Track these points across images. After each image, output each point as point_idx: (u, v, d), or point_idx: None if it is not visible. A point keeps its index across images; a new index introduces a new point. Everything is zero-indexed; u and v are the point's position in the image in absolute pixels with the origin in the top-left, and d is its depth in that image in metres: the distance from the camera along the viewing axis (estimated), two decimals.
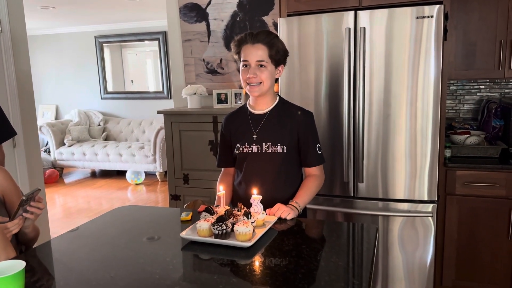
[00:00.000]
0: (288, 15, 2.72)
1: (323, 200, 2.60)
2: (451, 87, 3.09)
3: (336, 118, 2.51)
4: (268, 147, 1.76)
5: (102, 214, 1.82)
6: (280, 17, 2.66)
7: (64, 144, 6.74)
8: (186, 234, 1.46)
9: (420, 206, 2.44)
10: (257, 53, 1.69)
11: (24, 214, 1.47)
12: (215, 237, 1.42)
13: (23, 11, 3.01)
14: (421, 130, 2.37)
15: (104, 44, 7.14)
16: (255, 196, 1.55)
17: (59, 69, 7.53)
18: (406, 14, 2.30)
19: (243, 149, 1.79)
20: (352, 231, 1.63)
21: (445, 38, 2.37)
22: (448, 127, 3.03)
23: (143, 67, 7.48)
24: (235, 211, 1.51)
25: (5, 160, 2.14)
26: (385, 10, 2.34)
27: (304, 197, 1.76)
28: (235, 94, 3.40)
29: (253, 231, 1.44)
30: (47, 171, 6.32)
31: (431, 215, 2.41)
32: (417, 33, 2.29)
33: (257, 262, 1.31)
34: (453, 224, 2.60)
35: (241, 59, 1.73)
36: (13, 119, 2.92)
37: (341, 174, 2.54)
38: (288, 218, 1.64)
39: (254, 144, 1.77)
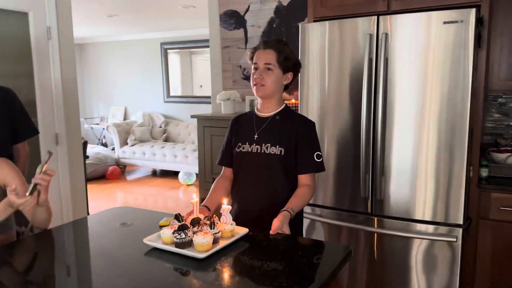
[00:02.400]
0: (315, 21, 2.63)
1: (335, 214, 2.47)
2: (499, 99, 2.77)
3: (356, 129, 2.37)
4: (267, 148, 1.82)
5: (97, 213, 1.90)
6: (306, 22, 2.58)
7: (127, 144, 7.16)
8: (151, 240, 1.46)
9: (446, 230, 2.21)
10: (266, 56, 1.80)
11: (33, 180, 1.48)
12: (176, 246, 1.40)
13: (71, 19, 3.24)
14: (446, 145, 2.15)
15: (168, 50, 7.48)
16: (225, 207, 1.51)
17: (128, 74, 8.02)
18: (434, 19, 2.11)
19: (243, 148, 1.88)
20: (331, 250, 1.52)
21: (478, 45, 2.14)
22: (493, 143, 2.73)
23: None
24: (204, 220, 1.49)
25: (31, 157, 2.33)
26: (412, 15, 2.17)
27: (297, 203, 1.76)
28: None
29: (216, 242, 1.40)
30: (110, 167, 6.76)
31: (455, 239, 2.17)
32: (446, 39, 2.09)
33: (204, 276, 1.27)
34: (486, 253, 2.32)
35: (253, 63, 1.85)
36: (57, 118, 3.16)
37: (359, 189, 2.39)
38: (285, 231, 1.61)
39: (254, 144, 1.85)
